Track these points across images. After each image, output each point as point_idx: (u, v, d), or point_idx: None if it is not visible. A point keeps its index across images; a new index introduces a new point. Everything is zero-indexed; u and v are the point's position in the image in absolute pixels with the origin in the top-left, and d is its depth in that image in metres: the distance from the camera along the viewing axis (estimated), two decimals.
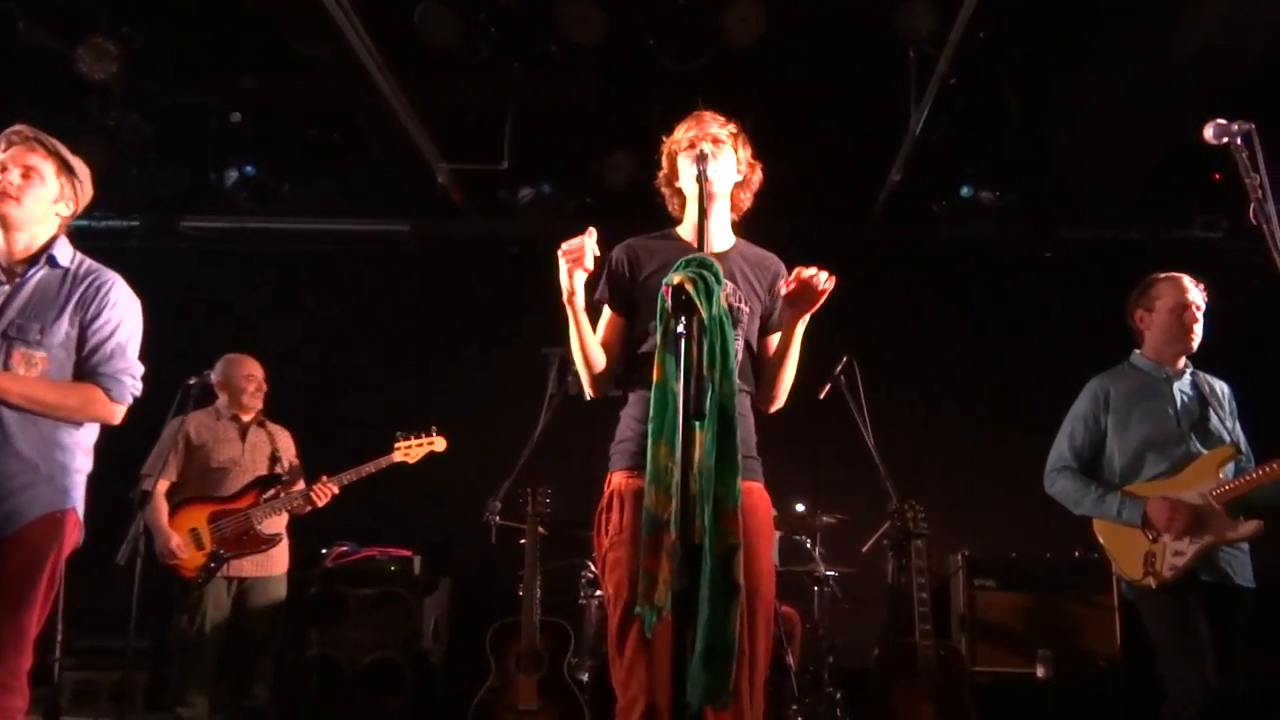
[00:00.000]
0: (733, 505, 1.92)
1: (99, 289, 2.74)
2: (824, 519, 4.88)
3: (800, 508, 5.03)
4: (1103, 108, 5.22)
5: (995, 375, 6.18)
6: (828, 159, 5.82)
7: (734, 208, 2.70)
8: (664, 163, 2.69)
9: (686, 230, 2.68)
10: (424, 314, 6.58)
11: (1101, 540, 3.48)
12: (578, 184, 6.02)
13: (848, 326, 6.19)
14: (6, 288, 2.69)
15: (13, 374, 2.60)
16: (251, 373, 4.73)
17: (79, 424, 2.73)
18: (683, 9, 4.73)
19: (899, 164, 5.50)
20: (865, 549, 5.09)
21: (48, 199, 2.74)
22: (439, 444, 4.72)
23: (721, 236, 2.65)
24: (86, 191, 2.88)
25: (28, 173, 2.70)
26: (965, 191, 5.76)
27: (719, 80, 4.91)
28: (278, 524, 4.58)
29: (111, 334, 2.74)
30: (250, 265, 6.64)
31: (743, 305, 2.48)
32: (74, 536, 2.73)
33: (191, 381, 4.22)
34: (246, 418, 4.71)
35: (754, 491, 2.37)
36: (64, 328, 2.68)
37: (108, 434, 3.02)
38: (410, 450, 4.64)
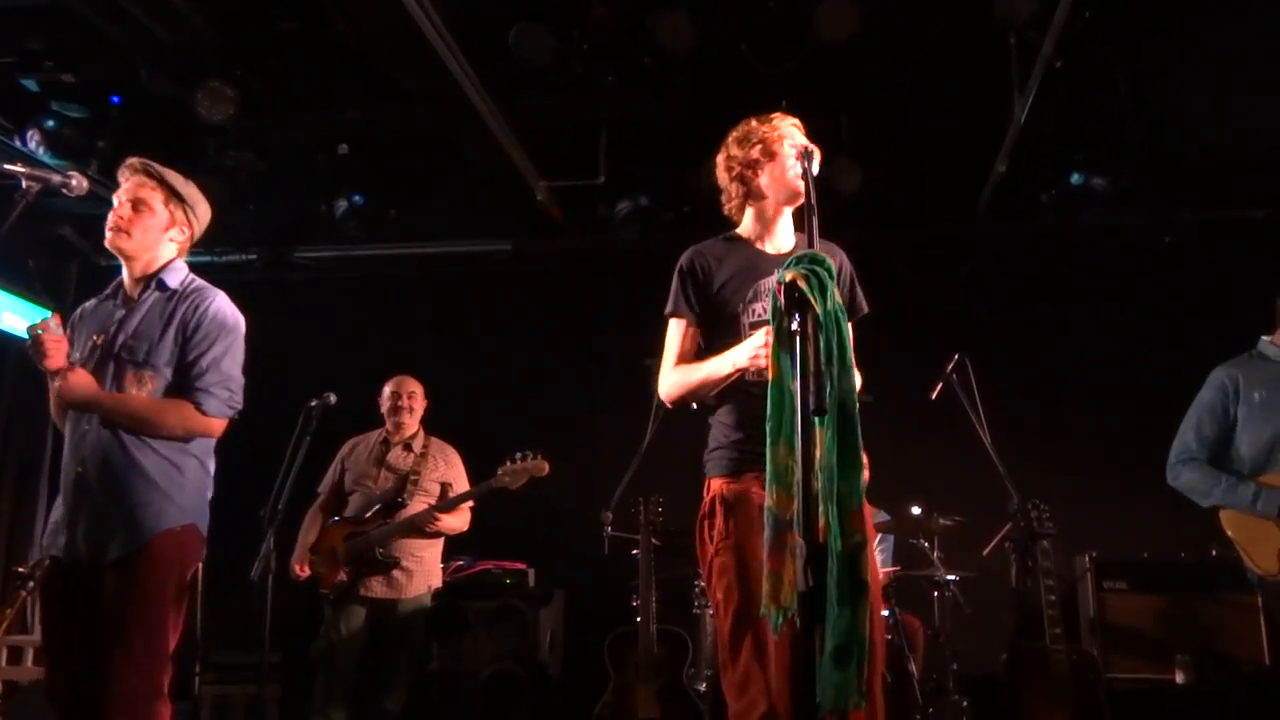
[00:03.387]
0: (857, 503, 1.89)
1: (198, 307, 2.81)
2: (941, 521, 4.75)
3: (916, 511, 4.91)
4: (1219, 82, 4.97)
5: (1115, 367, 5.93)
6: (929, 154, 5.71)
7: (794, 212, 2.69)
8: (735, 149, 2.64)
9: (746, 230, 2.67)
10: (528, 329, 6.68)
11: (1230, 532, 3.39)
12: (674, 194, 6.02)
13: (958, 324, 6.10)
14: (122, 312, 2.82)
15: (119, 395, 2.71)
16: (394, 390, 4.82)
17: (186, 440, 2.79)
18: (773, 11, 4.69)
19: (1004, 154, 5.35)
20: (987, 552, 4.94)
21: (158, 228, 2.83)
22: (541, 468, 4.59)
23: (786, 237, 2.66)
24: (201, 214, 2.95)
25: (137, 205, 2.80)
26: (1076, 179, 5.54)
27: (813, 81, 4.87)
28: (400, 547, 4.54)
29: (207, 349, 2.79)
30: (361, 291, 6.87)
31: None
32: (197, 551, 2.82)
33: (313, 403, 4.34)
34: (395, 438, 4.79)
35: None
36: (169, 346, 2.77)
37: (234, 453, 3.14)
38: (513, 474, 4.56)
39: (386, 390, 4.85)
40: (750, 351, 2.30)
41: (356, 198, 6.12)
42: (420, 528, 4.54)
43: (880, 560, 5.17)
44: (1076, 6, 4.17)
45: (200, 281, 2.93)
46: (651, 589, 4.58)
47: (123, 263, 2.86)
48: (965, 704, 4.49)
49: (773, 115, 2.67)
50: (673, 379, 2.59)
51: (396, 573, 4.53)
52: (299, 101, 5.63)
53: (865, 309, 2.66)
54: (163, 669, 2.64)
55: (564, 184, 6.00)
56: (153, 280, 2.84)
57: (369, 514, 4.61)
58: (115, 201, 2.82)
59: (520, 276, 6.79)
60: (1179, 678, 4.67)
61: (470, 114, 5.15)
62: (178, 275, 2.89)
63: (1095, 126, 5.39)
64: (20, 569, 2.52)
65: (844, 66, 4.96)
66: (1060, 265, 6.22)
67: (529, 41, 4.67)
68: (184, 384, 2.78)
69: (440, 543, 4.76)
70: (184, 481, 2.78)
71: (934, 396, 4.79)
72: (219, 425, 2.85)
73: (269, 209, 6.36)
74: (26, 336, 2.68)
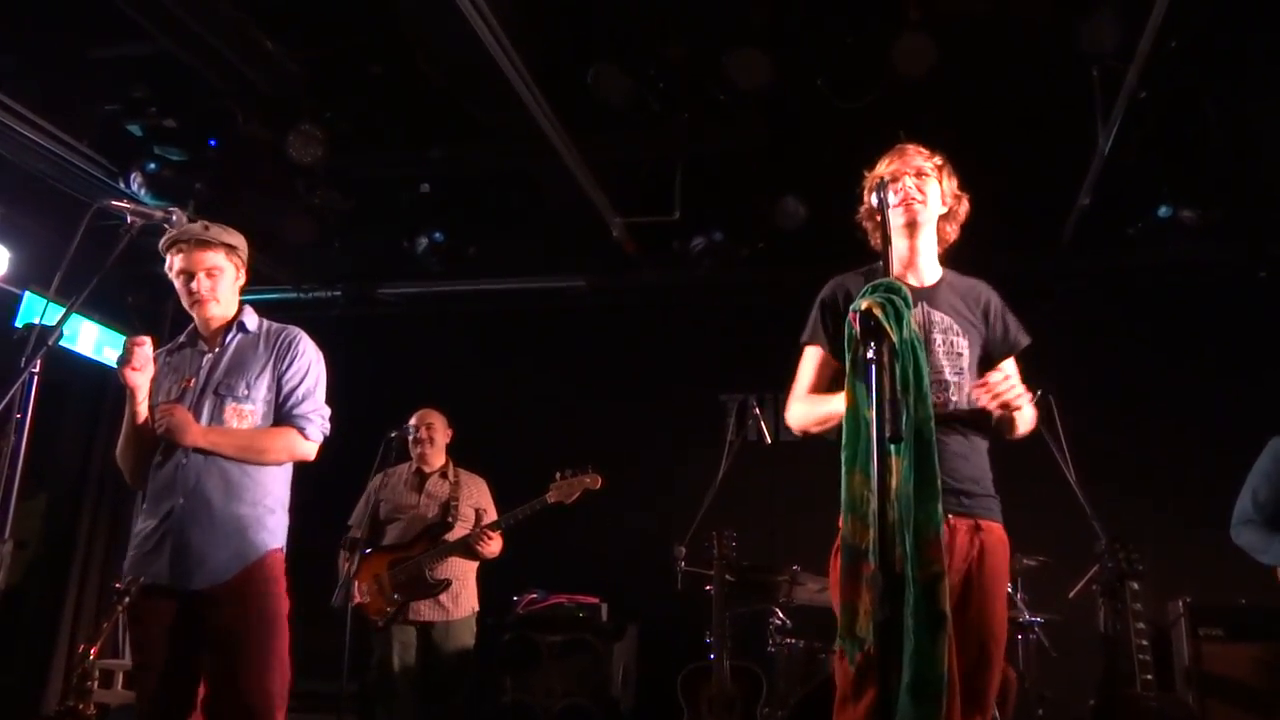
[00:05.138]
0: (935, 532, 1.85)
1: (290, 344, 3.05)
2: (1025, 562, 4.61)
3: None
4: None
5: (1206, 404, 5.71)
6: (1011, 187, 5.61)
7: (940, 240, 2.67)
8: (865, 197, 2.67)
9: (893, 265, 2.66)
10: (604, 365, 6.73)
11: None
12: (749, 230, 6.02)
13: (1041, 359, 5.91)
14: (210, 355, 3.01)
15: (222, 429, 2.90)
16: (418, 423, 4.93)
17: (281, 465, 3.01)
18: (849, 46, 4.69)
19: (1088, 187, 5.23)
20: (1073, 594, 4.76)
21: (231, 283, 3.05)
22: (594, 481, 4.63)
23: (929, 269, 2.62)
24: (246, 249, 3.12)
25: (211, 272, 2.98)
26: (1164, 211, 5.37)
27: (890, 115, 4.83)
28: (449, 569, 4.66)
29: (301, 380, 3.03)
30: (441, 326, 7.02)
31: (960, 339, 2.44)
32: (283, 571, 3.00)
33: (392, 435, 4.47)
34: (428, 468, 4.91)
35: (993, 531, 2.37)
36: (266, 381, 2.99)
37: (317, 482, 3.26)
38: (565, 490, 4.60)
39: (410, 423, 4.95)
40: None
41: (437, 235, 6.25)
42: (471, 547, 4.61)
43: None
44: (1161, 35, 4.08)
45: (274, 322, 3.15)
46: (725, 624, 4.54)
47: (203, 319, 3.05)
48: None
49: (888, 154, 2.66)
50: (799, 409, 2.58)
51: (444, 596, 4.62)
52: (383, 141, 5.81)
53: (1023, 341, 2.63)
54: (285, 681, 2.81)
55: (640, 220, 6.05)
56: (233, 324, 3.06)
57: (412, 539, 4.71)
58: (186, 277, 2.96)
59: (596, 312, 6.85)
60: None
61: (548, 152, 5.25)
62: (253, 317, 3.12)
63: (1184, 157, 5.23)
64: (118, 585, 2.65)
65: (922, 100, 4.92)
66: (1148, 300, 6.04)
67: (606, 81, 4.75)
68: (283, 413, 3.00)
69: (475, 566, 4.82)
70: (276, 505, 2.99)
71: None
72: (315, 448, 3.07)
73: (353, 246, 6.55)
74: (122, 350, 2.85)
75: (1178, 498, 5.51)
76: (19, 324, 5.49)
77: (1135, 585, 4.09)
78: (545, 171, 5.72)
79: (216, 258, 2.98)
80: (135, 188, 5.57)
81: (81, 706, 3.53)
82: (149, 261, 6.79)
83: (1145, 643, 3.99)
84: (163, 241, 2.96)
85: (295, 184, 5.91)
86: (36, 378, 2.37)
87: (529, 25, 4.55)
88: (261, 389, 2.98)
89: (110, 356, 6.45)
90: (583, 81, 4.78)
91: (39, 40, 4.97)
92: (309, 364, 3.07)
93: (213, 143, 5.71)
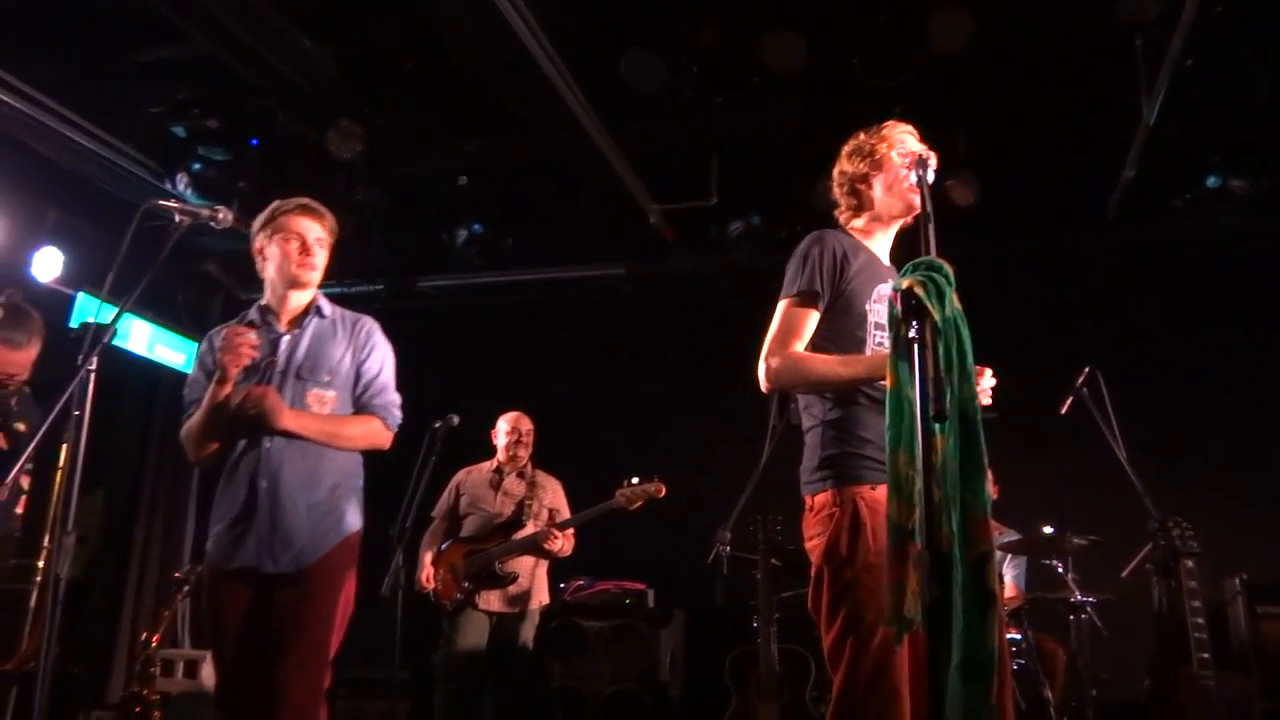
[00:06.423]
0: (981, 511, 1.83)
1: (368, 333, 3.07)
2: (1076, 541, 4.55)
3: (1048, 530, 4.73)
4: None
5: (1258, 377, 5.59)
6: (1053, 162, 5.53)
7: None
8: (856, 164, 2.61)
9: (861, 236, 2.63)
10: (644, 352, 6.74)
11: None
12: (787, 213, 5.99)
13: (1088, 335, 5.86)
14: (288, 338, 2.99)
15: (310, 413, 2.90)
16: (513, 426, 5.10)
17: (359, 452, 3.04)
18: (884, 25, 4.64)
19: (1133, 159, 5.14)
20: (1126, 573, 4.70)
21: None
22: (659, 490, 4.72)
23: (886, 255, 2.61)
24: None
25: (321, 244, 3.02)
26: (1212, 182, 5.26)
27: (927, 93, 4.78)
28: (518, 564, 4.80)
29: (380, 371, 3.05)
30: (482, 317, 7.07)
31: None
32: (359, 555, 3.01)
33: (437, 425, 4.52)
34: (509, 467, 5.05)
35: None
36: (346, 368, 3.00)
37: (368, 473, 3.29)
38: (630, 496, 4.71)
39: (504, 426, 5.12)
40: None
41: (476, 227, 6.30)
42: (539, 545, 4.73)
43: (1010, 581, 4.99)
44: (1206, 2, 3.99)
45: (346, 310, 3.15)
46: (771, 607, 4.55)
47: (287, 294, 3.02)
48: None
49: (884, 125, 2.64)
50: (793, 364, 2.39)
51: (512, 588, 4.78)
52: (420, 136, 5.86)
53: None
54: (328, 672, 2.79)
55: (677, 206, 6.05)
56: (312, 308, 3.05)
57: (488, 534, 4.86)
58: (299, 243, 2.98)
59: (635, 299, 6.87)
60: None
61: (584, 141, 5.26)
62: (327, 305, 3.11)
63: (1232, 126, 5.11)
64: (176, 574, 2.69)
65: (960, 76, 4.86)
66: (1197, 272, 5.92)
67: (639, 68, 4.75)
68: (364, 402, 3.01)
69: (547, 563, 4.97)
70: (355, 489, 3.01)
71: (1064, 411, 4.61)
72: (391, 438, 3.08)
73: (393, 240, 6.61)
74: (218, 338, 2.86)
75: (1231, 473, 5.41)
76: (74, 324, 5.62)
77: (1189, 563, 4.01)
78: (581, 161, 5.73)
79: (324, 232, 3.02)
80: (181, 188, 5.68)
81: (145, 692, 3.64)
82: (198, 260, 6.99)
83: (1201, 621, 3.92)
84: (275, 207, 2.97)
85: (335, 180, 5.98)
86: (94, 375, 2.42)
87: (561, 15, 4.55)
88: (341, 375, 2.97)
89: (162, 354, 6.58)
90: (616, 70, 4.78)
91: (84, 47, 5.08)
92: (385, 354, 3.09)
93: (254, 142, 5.80)
